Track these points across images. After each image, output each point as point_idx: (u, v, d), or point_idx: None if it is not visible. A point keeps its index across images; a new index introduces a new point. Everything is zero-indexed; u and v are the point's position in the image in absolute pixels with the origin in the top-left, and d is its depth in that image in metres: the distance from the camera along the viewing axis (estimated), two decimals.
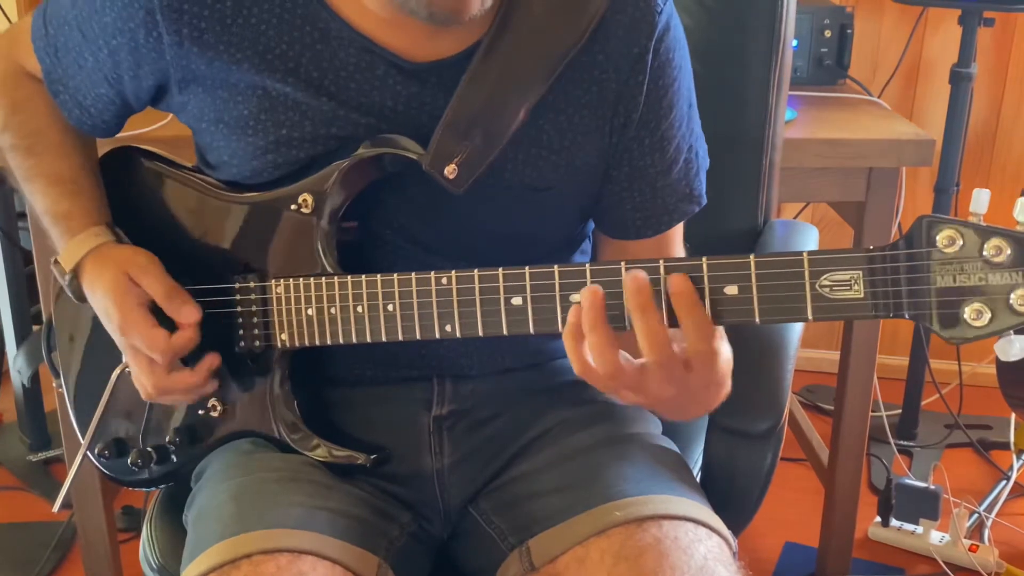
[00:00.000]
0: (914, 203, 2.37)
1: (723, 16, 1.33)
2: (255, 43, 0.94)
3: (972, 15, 1.96)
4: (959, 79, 2.00)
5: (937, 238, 0.74)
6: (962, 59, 1.99)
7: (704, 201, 1.05)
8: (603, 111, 0.97)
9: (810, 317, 0.78)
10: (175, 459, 1.06)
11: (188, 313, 0.97)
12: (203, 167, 1.04)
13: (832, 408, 1.98)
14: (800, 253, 0.78)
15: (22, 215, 1.98)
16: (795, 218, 2.29)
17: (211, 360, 0.99)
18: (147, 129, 1.42)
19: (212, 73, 0.95)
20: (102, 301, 0.98)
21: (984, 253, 0.72)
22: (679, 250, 1.07)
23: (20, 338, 2.11)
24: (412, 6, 0.87)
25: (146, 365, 0.98)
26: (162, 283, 0.98)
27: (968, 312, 0.73)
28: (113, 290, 0.97)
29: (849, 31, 1.82)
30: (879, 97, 1.86)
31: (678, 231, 1.06)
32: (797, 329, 1.15)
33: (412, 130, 0.94)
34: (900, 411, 2.27)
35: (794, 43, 1.62)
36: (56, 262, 1.02)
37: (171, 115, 1.43)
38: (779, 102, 1.35)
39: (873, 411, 1.76)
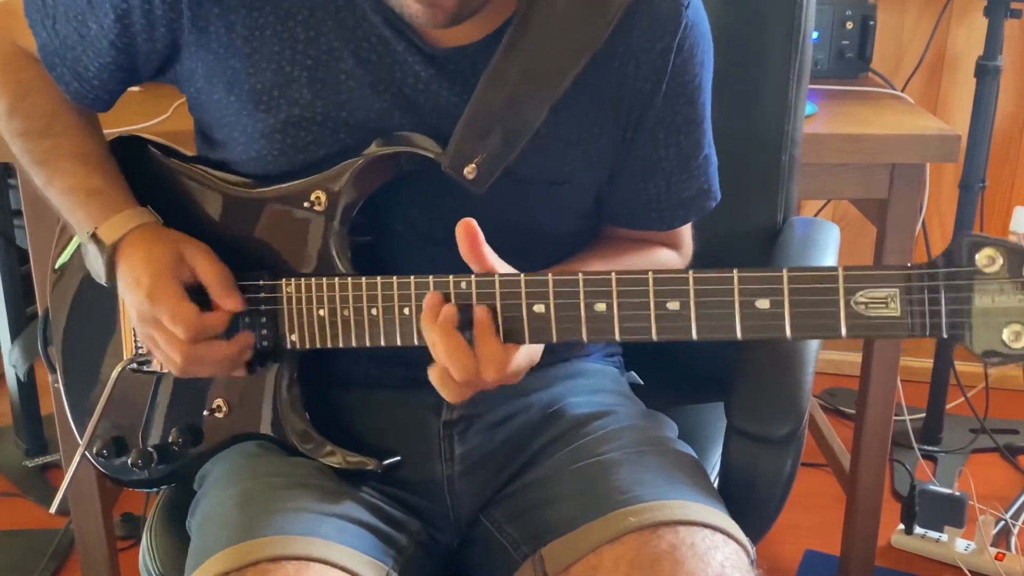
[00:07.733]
0: (938, 200, 2.34)
1: (740, 6, 1.32)
2: (277, 8, 0.92)
3: (998, 6, 1.95)
4: (985, 72, 1.99)
5: (977, 257, 0.73)
6: (988, 52, 1.98)
7: (719, 197, 1.05)
8: (621, 104, 0.97)
9: (844, 334, 0.77)
10: (178, 459, 1.05)
11: (234, 302, 0.95)
12: (204, 148, 1.02)
13: (854, 412, 1.97)
14: (835, 268, 0.77)
15: (18, 213, 1.96)
16: (816, 215, 2.27)
17: (247, 336, 0.96)
18: (147, 124, 1.40)
19: (230, 40, 0.93)
20: (138, 270, 0.95)
21: None
22: (687, 241, 1.08)
23: (15, 338, 2.09)
24: (393, 3, 0.87)
25: (172, 336, 0.95)
26: (216, 267, 0.96)
27: (1007, 334, 0.73)
28: (158, 260, 0.95)
29: (871, 23, 1.81)
30: (903, 91, 1.85)
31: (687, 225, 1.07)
32: None
33: (427, 118, 0.93)
34: (924, 415, 2.25)
35: (814, 35, 1.60)
36: (95, 235, 0.98)
37: (171, 110, 1.40)
38: (799, 96, 1.34)
39: (896, 415, 1.74)
